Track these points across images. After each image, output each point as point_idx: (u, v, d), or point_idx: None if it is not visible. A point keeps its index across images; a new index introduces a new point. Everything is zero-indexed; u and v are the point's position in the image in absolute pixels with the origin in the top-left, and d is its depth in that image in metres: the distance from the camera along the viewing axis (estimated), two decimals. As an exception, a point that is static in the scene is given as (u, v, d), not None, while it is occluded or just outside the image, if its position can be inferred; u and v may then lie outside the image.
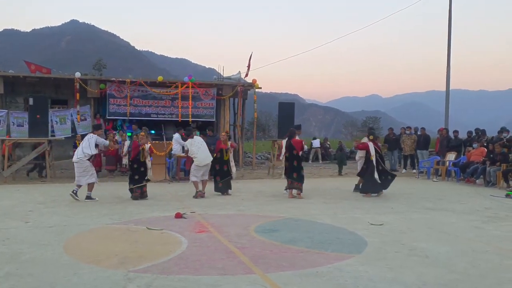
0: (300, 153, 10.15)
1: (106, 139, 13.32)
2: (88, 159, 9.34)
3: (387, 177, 10.34)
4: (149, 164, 9.69)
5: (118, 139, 14.13)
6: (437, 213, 8.17)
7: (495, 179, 12.34)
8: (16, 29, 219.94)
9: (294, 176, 9.88)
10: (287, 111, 15.70)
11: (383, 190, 10.26)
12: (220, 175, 10.32)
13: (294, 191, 9.94)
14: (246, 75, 18.08)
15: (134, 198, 9.41)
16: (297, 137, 10.21)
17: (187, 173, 13.93)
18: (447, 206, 9.00)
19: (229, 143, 10.67)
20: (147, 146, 9.66)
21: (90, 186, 9.35)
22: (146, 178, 9.61)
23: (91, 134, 9.67)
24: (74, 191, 9.17)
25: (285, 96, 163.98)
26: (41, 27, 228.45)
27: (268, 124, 48.65)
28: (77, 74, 15.85)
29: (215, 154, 10.33)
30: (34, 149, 13.73)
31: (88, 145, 9.31)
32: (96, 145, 9.54)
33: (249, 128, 23.17)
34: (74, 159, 9.36)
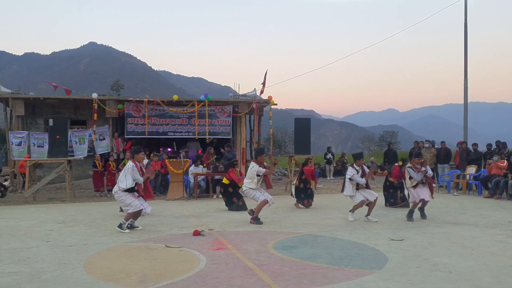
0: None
1: (125, 157, 13.20)
2: (127, 190, 7.84)
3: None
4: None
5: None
6: (459, 227, 8.01)
7: (518, 192, 12.09)
8: (37, 53, 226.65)
9: (302, 196, 11.14)
10: (303, 126, 15.69)
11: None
12: (237, 196, 10.75)
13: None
14: (262, 92, 18.20)
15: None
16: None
17: (203, 190, 13.99)
18: (469, 220, 8.82)
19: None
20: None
21: (127, 215, 7.95)
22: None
23: (130, 163, 7.98)
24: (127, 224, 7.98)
25: (301, 112, 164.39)
26: (61, 50, 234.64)
27: (284, 140, 48.69)
28: (94, 95, 16.22)
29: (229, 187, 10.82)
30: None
31: (124, 177, 7.84)
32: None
33: (265, 144, 23.15)
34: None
